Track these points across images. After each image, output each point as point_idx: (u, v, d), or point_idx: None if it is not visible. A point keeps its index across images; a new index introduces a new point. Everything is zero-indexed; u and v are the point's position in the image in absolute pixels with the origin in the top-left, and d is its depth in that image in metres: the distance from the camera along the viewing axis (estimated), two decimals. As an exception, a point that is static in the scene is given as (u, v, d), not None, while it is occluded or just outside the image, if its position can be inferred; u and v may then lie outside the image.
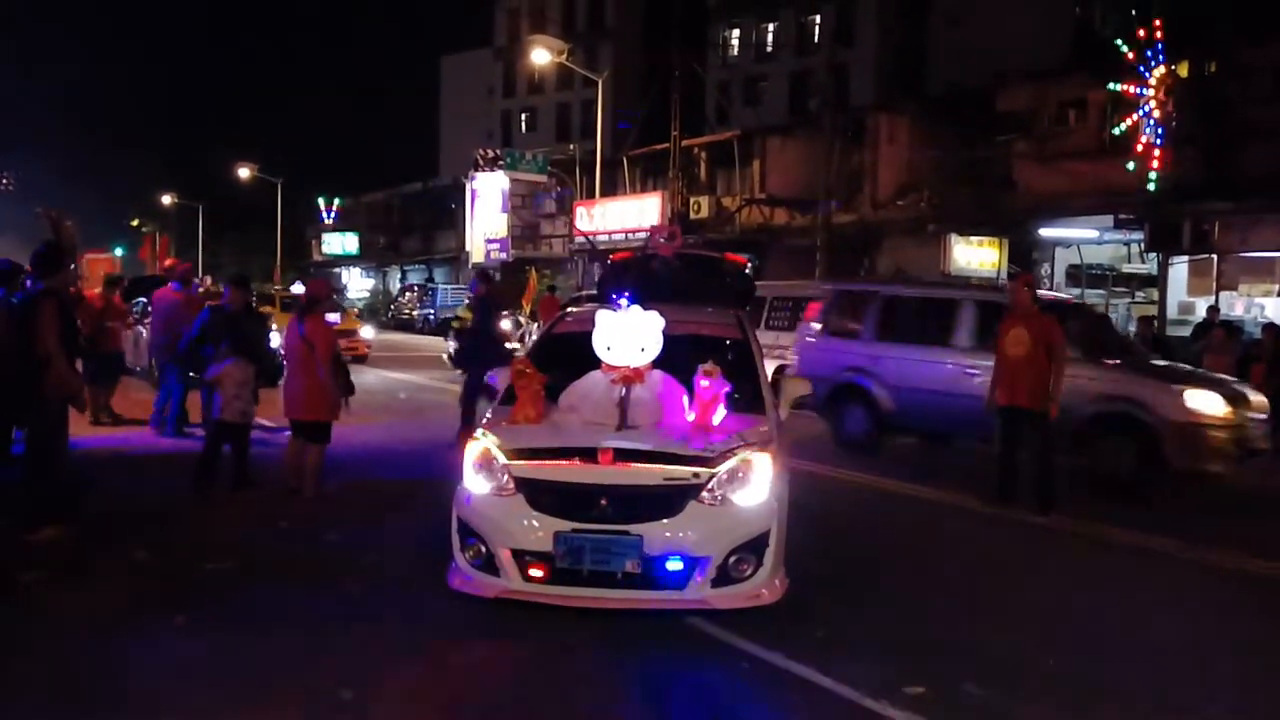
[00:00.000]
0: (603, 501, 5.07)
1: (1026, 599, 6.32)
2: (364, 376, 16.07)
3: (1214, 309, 16.71)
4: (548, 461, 5.29)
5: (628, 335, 5.68)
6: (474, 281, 12.75)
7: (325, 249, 53.73)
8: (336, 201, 52.52)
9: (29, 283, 7.28)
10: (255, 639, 5.07)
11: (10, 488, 7.09)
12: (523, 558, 5.11)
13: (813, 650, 4.99)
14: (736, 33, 47.67)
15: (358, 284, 55.00)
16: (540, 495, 5.16)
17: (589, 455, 5.21)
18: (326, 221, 52.49)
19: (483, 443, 5.47)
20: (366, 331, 25.04)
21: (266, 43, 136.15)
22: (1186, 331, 16.79)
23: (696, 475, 5.16)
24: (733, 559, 5.09)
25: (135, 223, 64.50)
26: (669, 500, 5.12)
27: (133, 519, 7.35)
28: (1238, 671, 5.18)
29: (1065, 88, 22.51)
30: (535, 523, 5.09)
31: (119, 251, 32.99)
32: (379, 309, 45.97)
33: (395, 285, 51.00)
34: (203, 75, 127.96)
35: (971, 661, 5.05)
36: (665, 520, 5.07)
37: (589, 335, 5.83)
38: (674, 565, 5.06)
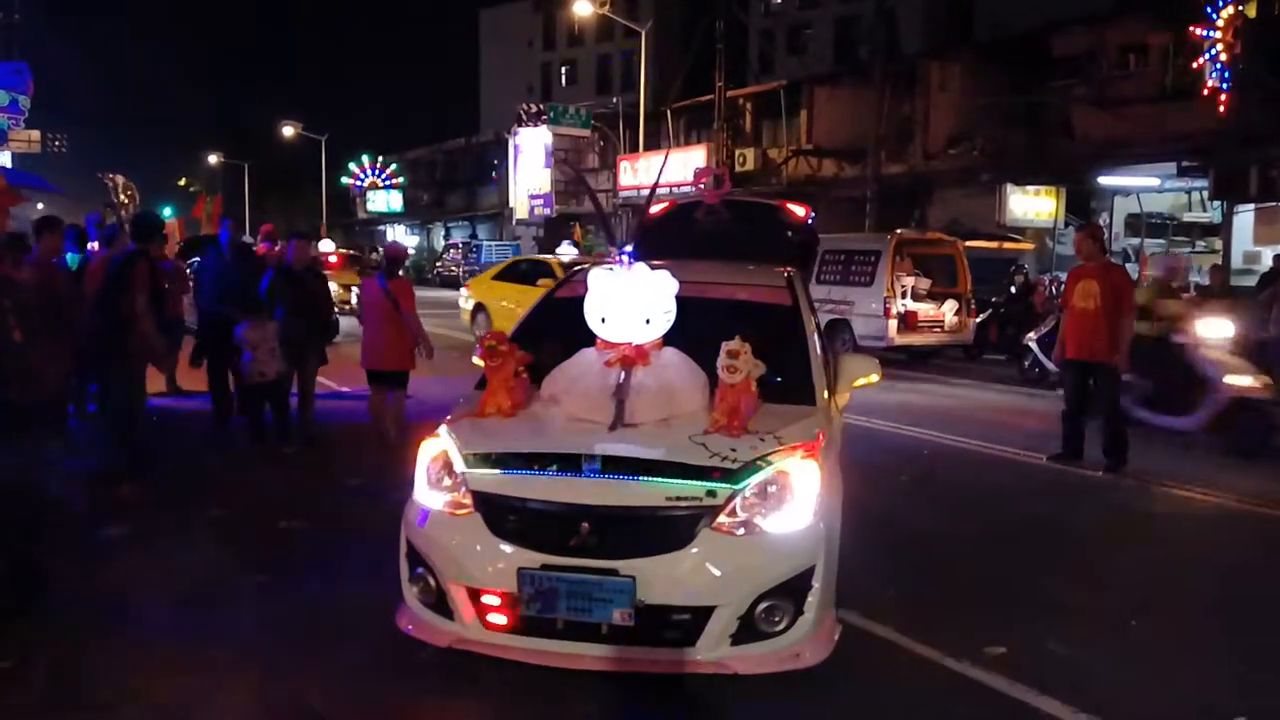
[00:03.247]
0: (584, 528, 3.81)
1: (1100, 555, 6.25)
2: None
3: None
4: (513, 471, 4.05)
5: (627, 302, 4.43)
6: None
7: (370, 206, 53.95)
8: (380, 160, 52.50)
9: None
10: (338, 594, 5.05)
11: (87, 444, 7.31)
12: (480, 598, 3.96)
13: (888, 610, 4.90)
14: (781, -21, 46.80)
15: (403, 241, 55.34)
16: (503, 517, 3.95)
17: (569, 464, 3.98)
18: (368, 182, 52.39)
19: (440, 442, 4.31)
20: None
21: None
22: (1252, 281, 16.36)
23: (712, 493, 3.88)
24: (762, 607, 3.84)
25: (183, 182, 65.23)
26: (674, 527, 3.86)
27: (202, 478, 7.46)
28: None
29: (1125, 31, 21.85)
30: (495, 553, 3.91)
31: (168, 212, 33.23)
32: (425, 266, 46.15)
33: (440, 242, 51.17)
34: (245, 35, 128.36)
35: (1052, 619, 4.97)
36: (668, 555, 3.81)
37: None
38: (680, 616, 3.83)
